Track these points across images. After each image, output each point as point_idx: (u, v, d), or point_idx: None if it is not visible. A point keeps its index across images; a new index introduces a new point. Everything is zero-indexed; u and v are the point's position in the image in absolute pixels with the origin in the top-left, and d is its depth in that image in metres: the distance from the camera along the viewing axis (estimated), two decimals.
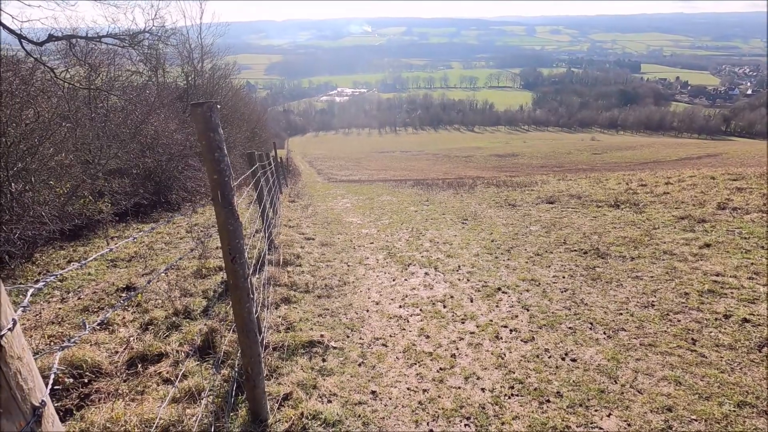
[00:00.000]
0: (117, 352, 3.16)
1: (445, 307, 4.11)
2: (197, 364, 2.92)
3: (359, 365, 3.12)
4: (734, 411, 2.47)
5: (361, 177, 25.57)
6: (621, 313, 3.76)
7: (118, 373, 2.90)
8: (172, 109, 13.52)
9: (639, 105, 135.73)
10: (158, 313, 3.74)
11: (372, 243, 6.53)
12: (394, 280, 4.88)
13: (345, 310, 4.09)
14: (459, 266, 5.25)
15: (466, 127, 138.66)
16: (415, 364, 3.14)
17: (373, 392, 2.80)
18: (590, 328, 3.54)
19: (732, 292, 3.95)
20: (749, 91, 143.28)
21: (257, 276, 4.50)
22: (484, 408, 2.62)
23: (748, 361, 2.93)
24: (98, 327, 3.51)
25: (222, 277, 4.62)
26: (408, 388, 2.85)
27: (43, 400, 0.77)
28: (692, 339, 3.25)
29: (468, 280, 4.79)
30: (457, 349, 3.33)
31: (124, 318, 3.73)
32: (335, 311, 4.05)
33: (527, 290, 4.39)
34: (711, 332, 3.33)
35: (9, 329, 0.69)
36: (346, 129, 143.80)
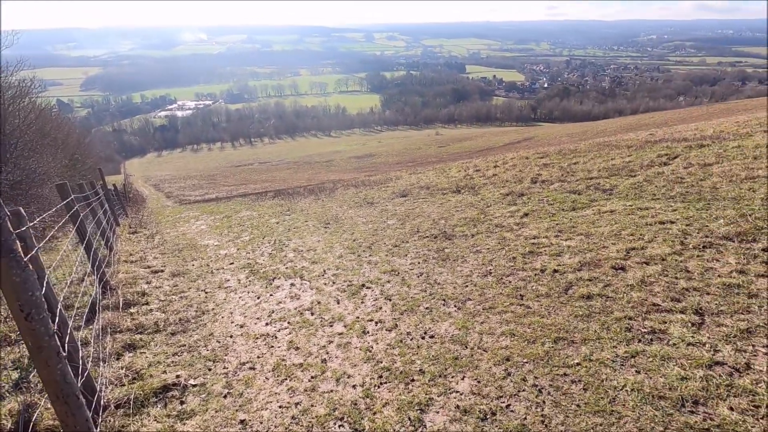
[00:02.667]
0: None
1: (312, 314, 4.09)
2: None
3: (225, 397, 2.90)
4: (552, 347, 3.00)
5: (218, 194, 23.78)
6: (467, 285, 4.25)
7: None
8: None
9: (469, 101, 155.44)
10: None
11: (232, 263, 6.13)
12: (258, 298, 4.67)
13: (205, 341, 3.76)
14: (324, 270, 5.28)
15: (322, 132, 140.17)
16: (286, 379, 3.06)
17: (242, 422, 2.63)
18: (443, 304, 3.92)
19: (545, 250, 4.81)
20: (546, 85, 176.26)
21: (89, 327, 3.82)
22: (356, 404, 2.69)
23: (559, 303, 3.60)
24: None
25: None
26: (280, 406, 2.75)
27: None
28: (520, 295, 3.86)
29: (334, 282, 4.85)
30: (327, 353, 3.35)
31: None
32: (193, 345, 3.69)
33: (388, 281, 4.65)
34: (533, 286, 3.99)
35: None
36: (194, 145, 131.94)
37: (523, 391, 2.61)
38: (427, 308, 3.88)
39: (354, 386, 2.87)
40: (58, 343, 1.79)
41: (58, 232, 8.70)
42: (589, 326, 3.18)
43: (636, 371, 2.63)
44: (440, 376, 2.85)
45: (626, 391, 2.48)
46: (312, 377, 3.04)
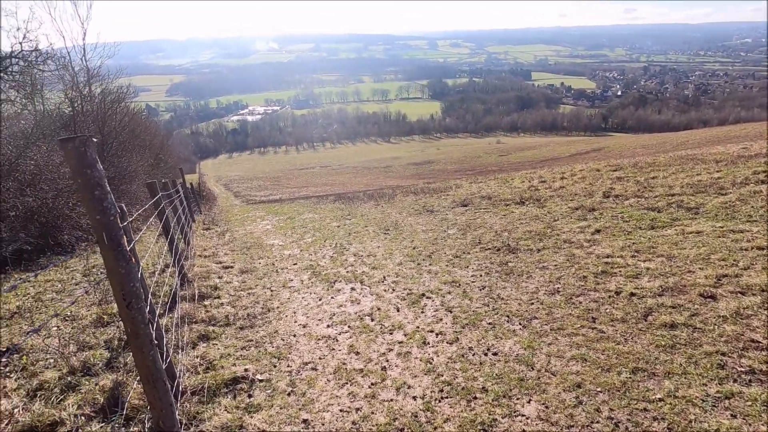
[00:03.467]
0: None
1: (373, 320, 4.13)
2: (101, 427, 2.58)
3: (288, 395, 3.00)
4: (630, 378, 2.78)
5: (282, 196, 24.91)
6: (533, 303, 4.07)
7: None
8: (57, 140, 12.07)
9: (534, 109, 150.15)
10: (50, 374, 3.26)
11: (296, 264, 6.36)
12: (320, 300, 4.80)
13: (270, 338, 3.92)
14: (384, 277, 5.31)
15: (382, 138, 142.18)
16: (347, 383, 3.10)
17: (305, 421, 2.70)
18: (507, 321, 3.78)
19: (620, 271, 4.48)
20: (619, 92, 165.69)
21: (170, 316, 4.14)
22: (416, 416, 2.66)
23: (637, 330, 3.33)
24: None
25: None
26: (341, 410, 2.79)
27: None
28: (592, 317, 3.62)
29: (393, 290, 4.86)
30: (387, 361, 3.35)
31: (5, 387, 3.19)
32: (260, 341, 3.86)
33: (449, 293, 4.57)
34: (607, 309, 3.73)
35: None
36: (262, 148, 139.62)
37: (597, 422, 2.43)
38: (489, 323, 3.76)
39: (414, 398, 2.85)
40: (152, 331, 1.95)
41: (142, 225, 9.57)
42: (673, 359, 2.90)
43: (731, 415, 2.36)
44: (504, 397, 2.74)
45: None
46: (372, 384, 3.05)
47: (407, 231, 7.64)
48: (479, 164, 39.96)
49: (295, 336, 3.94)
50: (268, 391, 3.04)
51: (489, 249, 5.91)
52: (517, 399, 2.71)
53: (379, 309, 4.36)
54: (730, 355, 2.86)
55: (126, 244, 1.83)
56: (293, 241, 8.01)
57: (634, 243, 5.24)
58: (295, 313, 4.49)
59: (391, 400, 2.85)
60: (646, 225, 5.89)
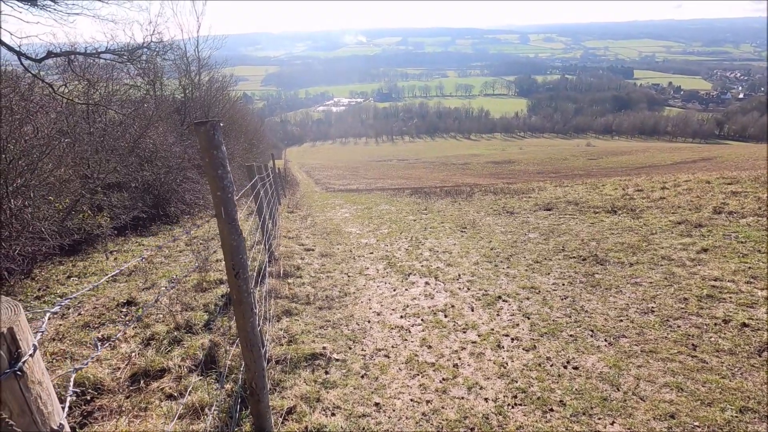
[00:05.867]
0: (119, 369, 3.15)
1: (446, 316, 4.12)
2: (200, 380, 2.91)
3: (362, 377, 3.12)
4: (736, 417, 2.48)
5: (359, 186, 25.63)
6: (621, 320, 3.78)
7: (121, 390, 2.89)
8: (170, 122, 13.58)
9: (633, 110, 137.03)
10: (159, 327, 3.73)
11: (371, 253, 6.55)
12: (394, 290, 4.89)
13: (346, 321, 4.10)
14: (459, 275, 5.26)
15: (462, 134, 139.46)
16: (418, 374, 3.15)
17: (376, 404, 2.80)
18: (591, 336, 3.55)
19: (731, 297, 3.98)
20: (741, 95, 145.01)
21: (258, 288, 4.51)
22: (487, 418, 2.63)
23: (748, 366, 2.95)
24: (99, 342, 3.51)
25: (223, 291, 4.62)
26: (411, 400, 2.85)
27: (61, 424, 0.79)
28: (693, 344, 3.27)
29: (468, 288, 4.80)
30: (460, 359, 3.34)
31: (125, 333, 3.72)
32: (337, 323, 4.05)
33: (527, 298, 4.41)
34: (711, 337, 3.35)
35: (30, 355, 0.71)
36: (343, 138, 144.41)
37: None
38: (571, 335, 3.57)
39: (486, 399, 2.81)
40: (253, 300, 2.15)
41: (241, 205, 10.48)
42: None
43: None
44: (584, 414, 2.60)
45: None
46: (443, 379, 3.07)
47: (485, 231, 7.46)
48: (565, 167, 37.58)
49: (369, 322, 4.08)
50: (343, 371, 3.20)
51: (573, 258, 5.57)
52: (599, 419, 2.56)
53: (452, 306, 4.34)
54: None
55: (238, 219, 2.03)
56: (370, 230, 8.23)
57: (750, 267, 4.61)
58: (369, 300, 4.64)
59: (462, 398, 2.85)
60: (766, 248, 5.15)
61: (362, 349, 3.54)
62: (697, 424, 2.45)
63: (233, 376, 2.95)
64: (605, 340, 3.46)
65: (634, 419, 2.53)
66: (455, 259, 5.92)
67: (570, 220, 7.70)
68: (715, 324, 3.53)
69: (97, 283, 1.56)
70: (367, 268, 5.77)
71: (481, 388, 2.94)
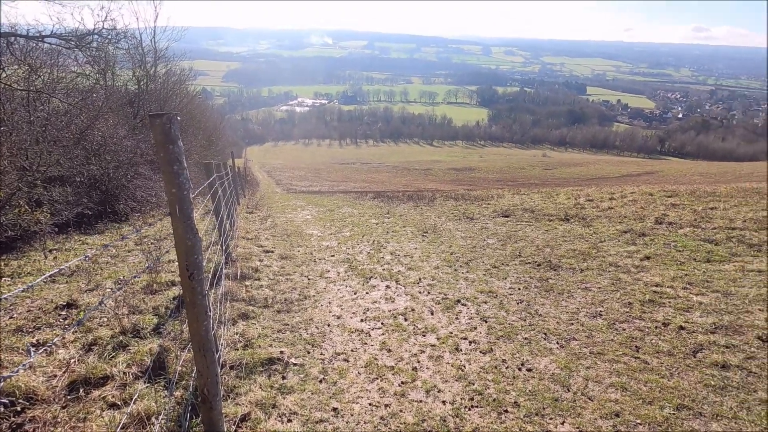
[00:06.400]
0: (55, 376, 2.92)
1: (406, 320, 4.14)
2: (147, 387, 2.75)
3: (320, 382, 3.07)
4: (674, 414, 2.65)
5: (322, 188, 25.38)
6: (572, 323, 3.95)
7: (57, 399, 2.67)
8: (122, 115, 12.87)
9: (585, 125, 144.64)
10: (103, 332, 3.50)
11: (333, 256, 6.48)
12: (355, 294, 4.86)
13: (305, 325, 4.02)
14: (420, 279, 5.31)
15: (425, 140, 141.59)
16: (377, 378, 3.13)
17: (334, 409, 2.76)
18: (544, 338, 3.69)
19: (669, 302, 4.26)
20: (680, 115, 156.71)
21: (213, 291, 4.33)
22: (445, 421, 2.65)
23: (684, 366, 3.16)
24: (33, 348, 3.23)
25: (175, 293, 4.40)
26: (370, 404, 2.83)
27: None
28: (636, 346, 3.47)
29: (429, 292, 4.85)
30: (419, 362, 3.36)
31: (64, 338, 3.46)
32: (295, 326, 3.97)
33: (485, 302, 4.52)
34: (652, 339, 3.57)
35: None
36: (306, 139, 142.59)
37: None
38: (525, 338, 3.69)
39: (444, 402, 2.84)
40: (207, 303, 2.06)
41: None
42: (723, 401, 2.74)
43: None
44: (537, 414, 2.69)
45: None
46: (402, 382, 3.07)
47: (446, 236, 7.59)
48: (522, 176, 39.04)
49: (329, 326, 4.02)
50: (301, 376, 3.13)
51: (529, 263, 5.78)
52: (550, 419, 2.65)
53: (413, 310, 4.37)
54: None
55: (194, 218, 1.94)
56: (332, 233, 8.15)
57: (686, 274, 4.96)
58: (330, 303, 4.58)
59: (421, 401, 2.86)
60: (701, 257, 5.56)
61: (321, 354, 3.49)
62: (639, 422, 2.59)
63: (184, 382, 2.81)
64: (557, 343, 3.60)
65: (583, 418, 2.64)
66: (416, 263, 5.98)
67: (526, 227, 7.98)
68: (656, 327, 3.77)
69: (32, 283, 1.43)
70: (328, 271, 5.70)
71: (439, 391, 2.97)
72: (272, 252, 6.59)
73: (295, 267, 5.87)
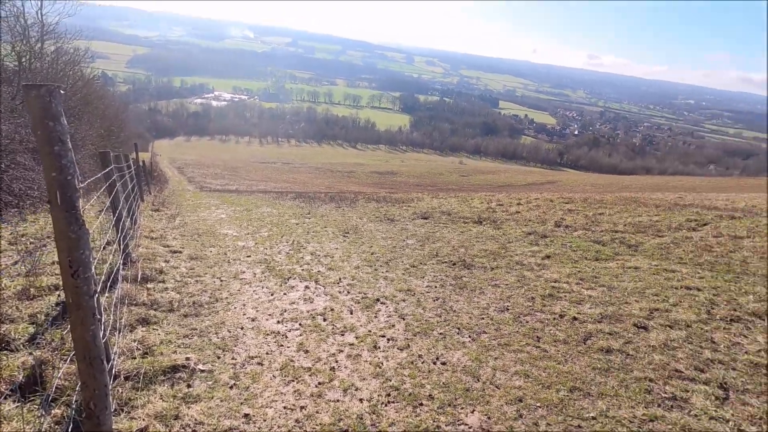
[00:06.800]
0: None
1: (325, 320, 4.07)
2: (17, 406, 2.35)
3: (231, 388, 2.88)
4: (568, 396, 2.92)
5: (239, 187, 24.16)
6: (483, 318, 4.19)
7: None
8: (22, 85, 11.05)
9: (497, 136, 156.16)
10: None
11: (249, 256, 6.17)
12: (272, 295, 4.67)
13: (216, 328, 3.76)
14: (340, 279, 5.27)
15: (349, 143, 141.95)
16: (293, 380, 3.03)
17: (246, 415, 2.61)
18: (458, 333, 3.86)
19: (565, 296, 4.72)
20: (576, 132, 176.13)
21: (107, 295, 3.87)
22: (361, 418, 2.64)
23: (576, 352, 3.51)
24: None
25: (58, 297, 3.85)
26: (285, 407, 2.72)
27: None
28: (537, 337, 3.78)
29: (348, 292, 4.83)
30: (337, 361, 3.31)
31: None
32: (205, 331, 3.69)
33: (403, 300, 4.61)
34: (550, 330, 3.91)
35: None
36: (224, 135, 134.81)
37: None
38: (441, 334, 3.83)
39: (361, 400, 2.83)
40: (96, 305, 1.81)
41: (86, 198, 8.92)
42: (607, 381, 3.09)
43: None
44: (449, 405, 2.79)
45: None
46: (319, 383, 3.00)
47: (367, 236, 7.64)
48: (441, 181, 40.88)
49: (242, 329, 3.81)
50: (209, 383, 2.91)
51: (445, 262, 6.03)
52: (462, 408, 2.77)
53: (332, 310, 4.31)
54: (656, 381, 3.08)
55: (80, 207, 1.70)
56: (248, 233, 7.77)
57: (579, 271, 5.54)
58: (244, 305, 4.35)
59: (338, 400, 2.82)
60: (591, 256, 6.26)
61: (233, 358, 3.28)
62: (539, 405, 2.82)
63: (65, 398, 2.45)
64: (469, 336, 3.79)
65: (491, 406, 2.80)
66: (337, 263, 5.93)
67: (443, 228, 8.34)
68: (554, 318, 4.15)
69: None
70: (243, 272, 5.41)
71: (356, 389, 2.95)
72: (180, 252, 6.09)
73: (206, 268, 5.48)
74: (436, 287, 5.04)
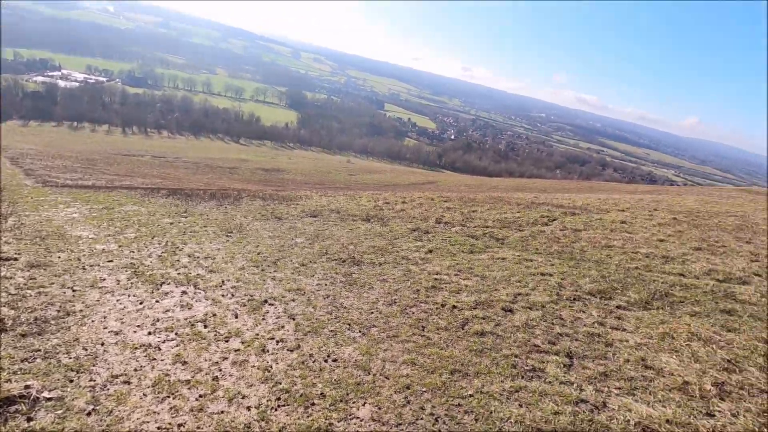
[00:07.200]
0: None
1: (206, 326, 3.76)
2: None
3: (88, 414, 2.48)
4: (449, 378, 3.17)
5: (97, 182, 20.83)
6: (372, 312, 4.31)
7: None
8: None
9: (384, 137, 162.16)
10: None
11: (111, 261, 5.37)
12: (141, 304, 4.14)
13: (67, 347, 3.19)
14: (223, 281, 4.91)
15: (231, 137, 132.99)
16: (169, 396, 2.73)
17: None
18: (348, 329, 3.90)
19: (446, 287, 5.11)
20: (453, 136, 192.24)
21: None
22: (249, 427, 2.50)
23: (456, 337, 3.83)
24: None
25: None
26: (159, 428, 2.44)
27: None
28: (422, 326, 4.02)
29: (233, 295, 4.53)
30: (221, 370, 3.08)
31: None
32: (51, 351, 3.11)
33: (293, 300, 4.50)
34: (434, 319, 4.20)
35: None
36: (76, 122, 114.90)
37: (421, 419, 2.69)
38: (332, 331, 3.82)
39: (249, 408, 2.68)
40: None
41: None
42: (481, 361, 3.43)
43: (519, 405, 2.90)
44: (341, 401, 2.81)
45: (511, 422, 2.71)
46: (200, 396, 2.76)
47: (252, 235, 7.26)
48: (329, 180, 40.90)
49: (103, 345, 3.30)
50: (59, 412, 2.46)
51: (335, 260, 6.04)
52: (353, 402, 2.81)
53: (214, 315, 3.99)
54: (520, 357, 3.53)
55: None
56: (110, 234, 6.76)
57: (457, 263, 6.06)
58: (105, 317, 3.77)
59: (222, 412, 2.62)
60: (467, 249, 6.89)
61: (91, 380, 2.82)
62: (425, 389, 3.00)
63: None
64: (360, 331, 3.86)
65: (381, 396, 2.89)
66: (219, 265, 5.51)
67: (333, 226, 8.35)
68: (437, 308, 4.46)
69: None
70: (104, 279, 4.70)
71: (243, 397, 2.79)
72: (15, 260, 5.02)
73: (52, 277, 4.61)
74: (326, 285, 5.02)
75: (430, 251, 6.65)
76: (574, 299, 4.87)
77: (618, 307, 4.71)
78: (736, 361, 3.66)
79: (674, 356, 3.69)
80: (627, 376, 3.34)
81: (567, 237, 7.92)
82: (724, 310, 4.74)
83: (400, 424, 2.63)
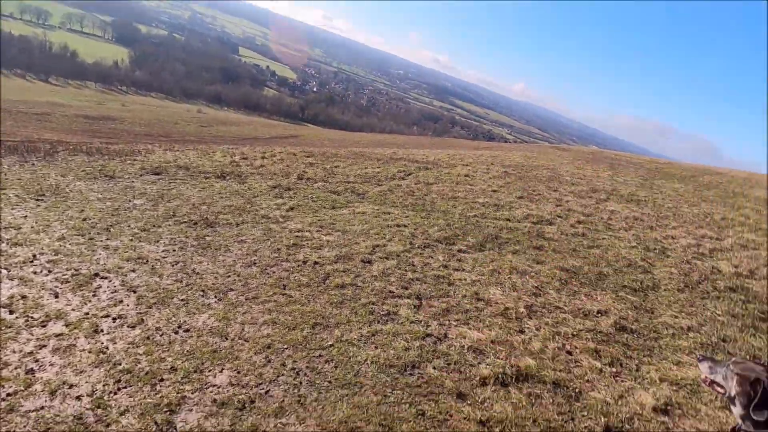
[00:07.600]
0: None
1: (12, 312, 3.08)
2: None
3: None
4: (311, 332, 3.25)
5: None
6: (229, 276, 4.09)
7: None
8: None
9: (239, 84, 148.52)
10: None
11: None
12: None
13: None
14: (34, 256, 4.04)
15: (36, 74, 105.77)
16: None
17: None
18: (202, 296, 3.65)
19: (307, 243, 5.13)
20: (315, 89, 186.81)
21: None
22: (80, 418, 2.20)
23: (317, 292, 3.92)
24: None
25: None
26: None
27: None
28: (283, 285, 3.99)
29: (50, 271, 3.78)
30: (37, 361, 2.60)
31: None
32: None
33: (133, 271, 3.97)
34: (295, 276, 4.20)
35: None
36: None
37: (282, 375, 2.73)
38: (182, 300, 3.52)
39: (79, 397, 2.34)
40: None
41: None
42: (341, 312, 3.60)
43: (375, 347, 3.16)
44: (195, 372, 2.66)
45: (367, 363, 2.95)
46: (8, 395, 2.29)
47: (75, 198, 6.06)
48: (176, 131, 36.15)
49: None
50: None
51: (185, 222, 5.48)
52: (209, 371, 2.69)
53: (24, 297, 3.29)
54: (377, 303, 3.81)
55: None
56: None
57: (319, 220, 6.09)
58: None
59: (42, 408, 2.24)
60: (329, 205, 6.96)
61: None
62: (286, 347, 3.03)
63: None
64: (215, 297, 3.65)
65: (240, 360, 2.82)
66: (28, 236, 4.49)
67: (181, 185, 7.50)
68: (298, 265, 4.46)
69: None
70: None
71: (70, 386, 2.42)
72: None
73: None
74: (174, 251, 4.55)
75: (292, 208, 6.53)
76: (425, 247, 5.39)
77: (459, 250, 5.38)
78: (541, 287, 4.58)
79: (499, 288, 4.43)
80: (464, 308, 3.91)
81: (420, 190, 8.61)
82: (535, 247, 5.83)
83: (260, 384, 2.62)
